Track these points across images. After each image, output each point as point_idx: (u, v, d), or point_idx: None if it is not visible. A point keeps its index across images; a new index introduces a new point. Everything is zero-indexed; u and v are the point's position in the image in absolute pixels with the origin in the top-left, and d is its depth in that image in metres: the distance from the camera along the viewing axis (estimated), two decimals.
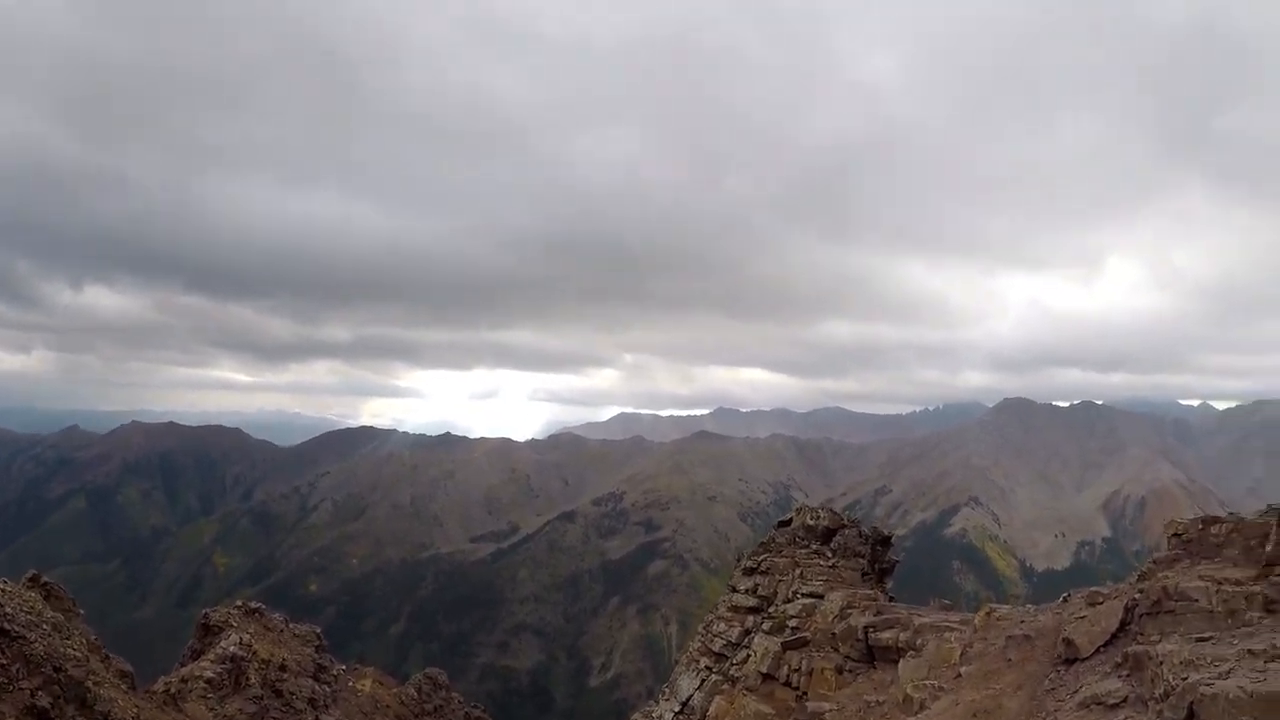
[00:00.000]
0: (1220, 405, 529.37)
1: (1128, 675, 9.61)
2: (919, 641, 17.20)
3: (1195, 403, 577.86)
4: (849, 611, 20.69)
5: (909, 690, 14.55)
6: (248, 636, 31.92)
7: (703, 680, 24.93)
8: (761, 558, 26.16)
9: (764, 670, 21.52)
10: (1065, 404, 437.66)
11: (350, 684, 37.37)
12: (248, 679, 30.15)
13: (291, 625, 37.61)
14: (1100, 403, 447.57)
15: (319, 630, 38.98)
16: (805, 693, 20.74)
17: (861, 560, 25.44)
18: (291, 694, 31.62)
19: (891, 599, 23.89)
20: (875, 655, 18.81)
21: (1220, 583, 9.83)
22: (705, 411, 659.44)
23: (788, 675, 21.08)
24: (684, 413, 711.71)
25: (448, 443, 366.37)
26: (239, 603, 36.83)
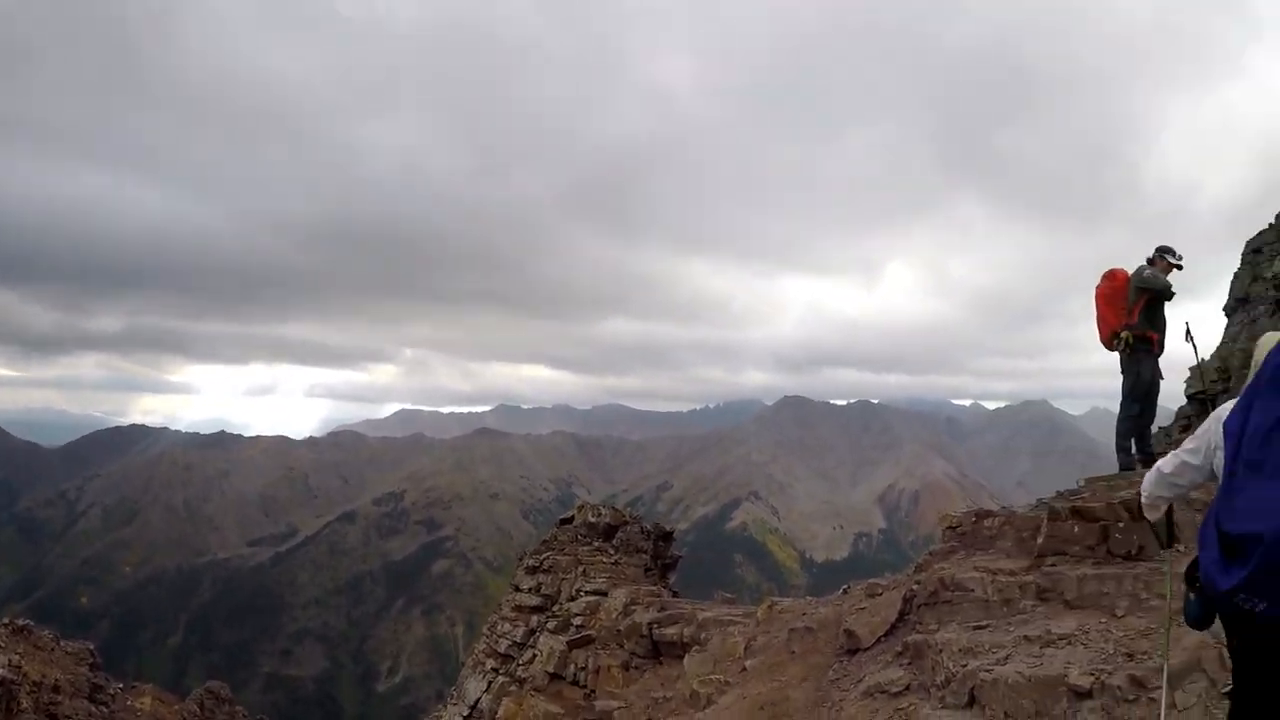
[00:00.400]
0: (991, 405, 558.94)
1: (909, 664, 9.76)
2: (703, 636, 17.22)
3: (967, 403, 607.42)
4: (633, 608, 20.61)
5: (695, 685, 14.53)
6: (16, 657, 29.86)
7: (490, 682, 24.54)
8: (544, 556, 25.85)
9: (550, 670, 21.29)
10: (843, 402, 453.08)
11: (129, 703, 35.40)
12: (19, 704, 28.13)
13: (63, 643, 35.38)
14: (876, 401, 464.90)
15: (92, 647, 36.79)
16: (593, 691, 20.62)
17: (644, 556, 25.46)
18: (67, 718, 29.78)
19: (675, 594, 23.94)
20: (661, 651, 18.80)
21: (995, 573, 10.07)
22: (487, 408, 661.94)
23: (574, 674, 20.93)
24: (465, 409, 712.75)
25: (222, 441, 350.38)
26: (6, 620, 34.40)
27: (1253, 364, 4.46)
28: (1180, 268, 12.14)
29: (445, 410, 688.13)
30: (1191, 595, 4.48)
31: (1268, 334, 4.56)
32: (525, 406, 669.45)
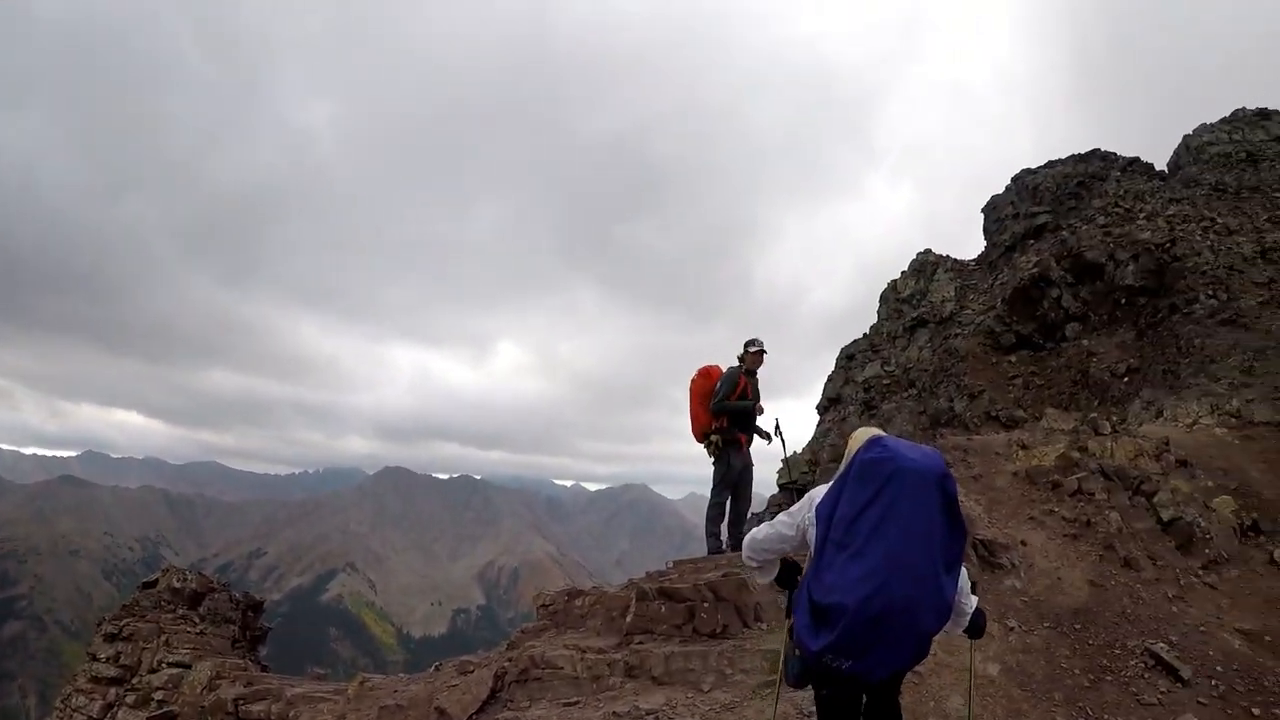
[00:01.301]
0: (592, 487, 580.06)
1: None
2: (292, 714, 16.59)
3: (569, 483, 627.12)
4: (218, 682, 19.57)
5: None
6: None
7: None
8: (124, 622, 24.13)
9: None
10: (445, 476, 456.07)
11: None
12: None
13: None
14: (479, 477, 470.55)
15: None
16: None
17: (233, 627, 24.28)
18: None
19: (265, 668, 22.95)
20: None
21: (585, 651, 10.33)
22: (73, 454, 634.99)
23: None
24: (49, 453, 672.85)
25: None
26: None
27: (845, 454, 5.06)
28: (765, 352, 12.87)
29: (27, 451, 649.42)
30: (797, 652, 5.00)
31: (860, 429, 5.18)
32: (114, 455, 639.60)
